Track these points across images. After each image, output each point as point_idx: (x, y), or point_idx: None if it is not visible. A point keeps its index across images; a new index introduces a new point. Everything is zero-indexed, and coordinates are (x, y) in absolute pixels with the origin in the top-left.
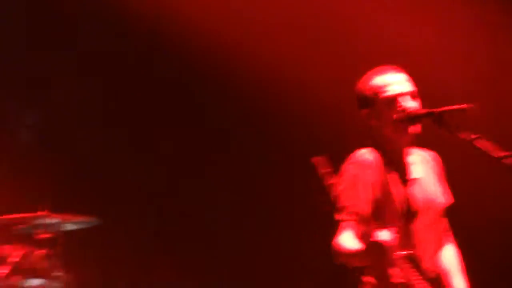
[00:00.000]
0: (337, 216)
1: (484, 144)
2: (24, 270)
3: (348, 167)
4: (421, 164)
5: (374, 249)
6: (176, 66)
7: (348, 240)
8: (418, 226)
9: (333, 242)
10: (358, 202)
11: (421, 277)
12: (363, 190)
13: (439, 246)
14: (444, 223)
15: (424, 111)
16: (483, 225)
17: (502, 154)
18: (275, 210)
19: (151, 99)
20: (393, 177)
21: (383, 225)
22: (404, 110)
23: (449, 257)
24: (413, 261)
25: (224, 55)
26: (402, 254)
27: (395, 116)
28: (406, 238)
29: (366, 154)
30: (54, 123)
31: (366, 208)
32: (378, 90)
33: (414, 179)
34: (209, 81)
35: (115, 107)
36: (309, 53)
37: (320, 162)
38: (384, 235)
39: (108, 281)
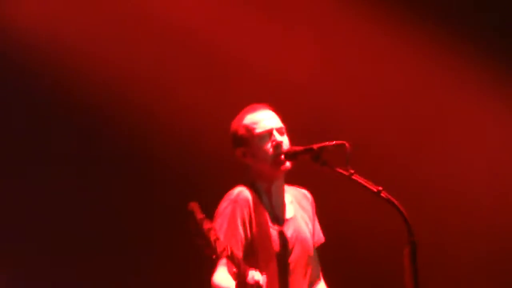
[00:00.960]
0: (214, 255)
1: (360, 179)
2: None
3: (225, 205)
4: (294, 203)
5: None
6: None
7: (221, 277)
8: (292, 265)
9: (211, 279)
10: (232, 241)
11: None
12: (237, 229)
13: (310, 285)
14: (315, 261)
15: (303, 147)
16: (358, 262)
17: (377, 188)
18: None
19: None
20: (268, 216)
21: (258, 264)
22: (278, 145)
23: None
24: None
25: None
26: None
27: (271, 151)
28: (280, 277)
29: (242, 192)
30: None
31: (239, 247)
32: (251, 127)
33: (288, 219)
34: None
35: None
36: (184, 94)
37: (195, 208)
38: (256, 275)
39: None
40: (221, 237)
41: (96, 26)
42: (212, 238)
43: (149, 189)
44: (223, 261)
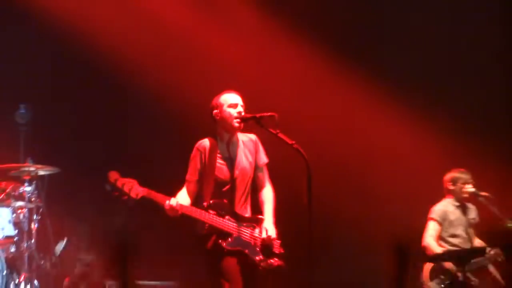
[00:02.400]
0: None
1: (284, 136)
2: (13, 196)
3: (193, 150)
4: (241, 146)
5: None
6: None
7: (180, 194)
8: (237, 184)
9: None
10: (191, 171)
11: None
12: (195, 163)
13: (247, 197)
14: (263, 176)
15: (250, 115)
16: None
17: (292, 142)
18: None
19: None
20: (219, 156)
21: (204, 185)
22: (239, 113)
23: (266, 193)
24: (226, 209)
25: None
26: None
27: (234, 116)
28: (226, 193)
29: (202, 142)
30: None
31: (195, 173)
32: (225, 100)
33: (237, 158)
34: None
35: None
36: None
37: (111, 175)
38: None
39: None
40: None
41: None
42: (119, 184)
43: None
44: (186, 184)
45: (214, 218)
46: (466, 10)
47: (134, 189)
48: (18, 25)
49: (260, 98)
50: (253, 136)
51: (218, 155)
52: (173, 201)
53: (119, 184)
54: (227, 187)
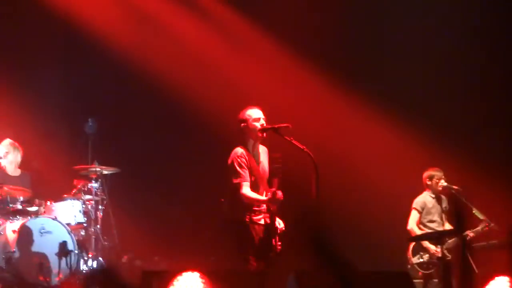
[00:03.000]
0: (235, 181)
1: (296, 142)
2: (83, 191)
3: (233, 158)
4: (262, 153)
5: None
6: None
7: (252, 193)
8: (263, 183)
9: (242, 193)
10: (245, 174)
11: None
12: (243, 168)
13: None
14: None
15: (270, 126)
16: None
17: (303, 147)
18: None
19: None
20: (253, 159)
21: (253, 183)
22: (262, 125)
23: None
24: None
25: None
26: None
27: (258, 127)
28: (257, 190)
29: (239, 149)
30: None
31: (247, 176)
32: (250, 115)
33: (260, 161)
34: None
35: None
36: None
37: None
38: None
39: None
40: (236, 174)
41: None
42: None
43: None
44: (246, 183)
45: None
46: (446, 24)
47: None
48: (87, 54)
49: (275, 110)
50: (265, 148)
51: (250, 161)
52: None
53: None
54: (256, 184)
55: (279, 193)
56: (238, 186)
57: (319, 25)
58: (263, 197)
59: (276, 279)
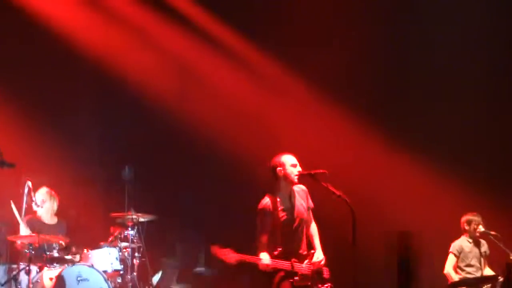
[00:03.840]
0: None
1: (332, 188)
2: (120, 238)
3: (258, 212)
4: (297, 196)
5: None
6: None
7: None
8: (296, 226)
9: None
10: (263, 232)
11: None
12: (266, 223)
13: (304, 235)
14: (310, 216)
15: (307, 172)
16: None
17: (339, 193)
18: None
19: None
20: (280, 207)
21: (275, 234)
22: (298, 171)
23: (313, 228)
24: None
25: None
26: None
27: (295, 174)
28: (291, 235)
29: (266, 201)
30: None
31: (267, 232)
32: (287, 161)
33: (296, 204)
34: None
35: None
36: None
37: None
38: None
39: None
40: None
41: None
42: (218, 254)
43: None
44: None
45: (286, 264)
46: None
47: (229, 256)
48: (124, 102)
49: (308, 157)
50: (303, 187)
51: (280, 206)
52: (265, 260)
53: (218, 254)
54: (291, 230)
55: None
56: (258, 247)
57: (352, 68)
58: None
59: None
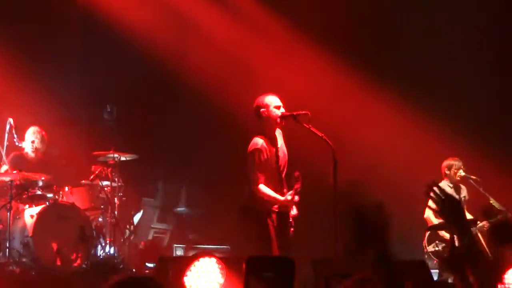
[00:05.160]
0: (252, 174)
1: (315, 129)
2: (101, 177)
3: (252, 150)
4: (279, 138)
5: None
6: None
7: (268, 190)
8: (283, 170)
9: (258, 188)
10: (260, 171)
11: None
12: (260, 161)
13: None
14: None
15: (289, 113)
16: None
17: (321, 134)
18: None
19: None
20: (272, 147)
21: (267, 173)
22: (282, 112)
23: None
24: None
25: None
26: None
27: (278, 113)
28: (278, 177)
29: (258, 141)
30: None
31: (262, 170)
32: (270, 102)
33: (279, 147)
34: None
35: None
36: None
37: None
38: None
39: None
40: (254, 167)
41: None
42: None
43: None
44: (260, 180)
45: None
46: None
47: None
48: (107, 41)
49: (292, 98)
50: (280, 131)
51: (266, 147)
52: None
53: None
54: (277, 171)
55: (296, 198)
56: (255, 181)
57: (338, 10)
58: (279, 197)
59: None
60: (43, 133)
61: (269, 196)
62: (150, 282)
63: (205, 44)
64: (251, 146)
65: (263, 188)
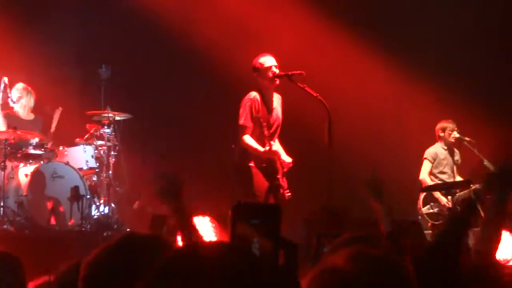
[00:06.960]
0: (240, 122)
1: (309, 89)
2: (96, 136)
3: (246, 101)
4: (275, 99)
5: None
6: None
7: (251, 141)
8: (274, 129)
9: (243, 138)
10: (248, 118)
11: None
12: (251, 112)
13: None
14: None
15: (283, 73)
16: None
17: (316, 94)
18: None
19: None
20: (265, 106)
21: (259, 129)
22: (274, 72)
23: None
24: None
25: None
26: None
27: (271, 74)
28: (269, 136)
29: (254, 93)
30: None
31: (250, 121)
32: (265, 62)
33: (274, 107)
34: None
35: None
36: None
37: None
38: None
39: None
40: (244, 116)
41: None
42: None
43: None
44: (247, 130)
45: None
46: None
47: None
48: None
49: (288, 58)
50: (278, 95)
51: (262, 106)
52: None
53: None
54: (269, 130)
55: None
56: (242, 129)
57: None
58: (260, 148)
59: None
60: (29, 88)
61: (251, 146)
62: (157, 240)
63: (202, 5)
64: (244, 99)
65: (247, 138)
